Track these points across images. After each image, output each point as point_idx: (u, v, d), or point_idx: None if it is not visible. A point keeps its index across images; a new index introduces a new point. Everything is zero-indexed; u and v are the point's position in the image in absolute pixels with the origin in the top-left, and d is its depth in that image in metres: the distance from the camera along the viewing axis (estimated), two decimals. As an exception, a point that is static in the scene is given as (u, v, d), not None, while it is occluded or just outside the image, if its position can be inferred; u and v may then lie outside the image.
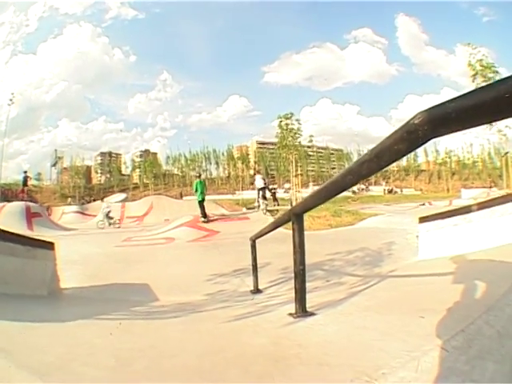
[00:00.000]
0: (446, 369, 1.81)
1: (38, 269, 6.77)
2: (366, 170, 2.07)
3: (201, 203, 20.32)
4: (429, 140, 1.54)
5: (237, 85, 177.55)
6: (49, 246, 7.55)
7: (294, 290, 4.02)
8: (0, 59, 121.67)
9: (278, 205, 33.93)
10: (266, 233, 6.27)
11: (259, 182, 27.33)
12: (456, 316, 2.61)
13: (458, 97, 1.31)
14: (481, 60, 29.77)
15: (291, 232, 4.22)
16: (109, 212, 28.60)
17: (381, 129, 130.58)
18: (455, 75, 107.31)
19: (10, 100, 68.40)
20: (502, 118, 1.23)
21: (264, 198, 26.37)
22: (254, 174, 39.60)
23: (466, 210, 7.42)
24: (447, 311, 2.79)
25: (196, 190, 20.89)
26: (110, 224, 27.99)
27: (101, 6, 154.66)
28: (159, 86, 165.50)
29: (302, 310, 3.85)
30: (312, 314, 3.76)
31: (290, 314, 3.84)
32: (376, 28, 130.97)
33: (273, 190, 42.13)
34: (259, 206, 26.10)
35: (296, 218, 4.19)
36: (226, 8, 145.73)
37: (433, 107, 1.44)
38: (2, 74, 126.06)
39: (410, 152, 1.70)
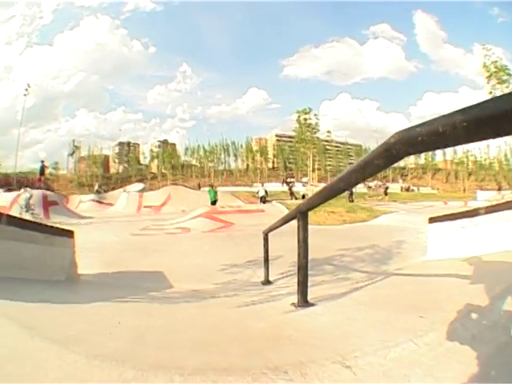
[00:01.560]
0: (411, 360, 2.05)
1: (57, 255, 6.89)
2: (354, 178, 2.40)
3: (212, 203, 26.25)
4: (402, 158, 1.77)
5: (256, 77, 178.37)
6: (68, 233, 7.66)
7: (303, 281, 4.26)
8: (14, 50, 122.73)
9: (296, 199, 34.17)
10: (277, 227, 6.38)
11: (261, 192, 35.30)
12: (440, 315, 2.78)
13: (425, 123, 1.46)
14: (495, 62, 29.60)
15: (312, 227, 4.49)
16: (29, 200, 24.09)
17: (400, 126, 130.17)
18: (473, 74, 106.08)
19: (26, 90, 69.00)
20: (460, 144, 1.43)
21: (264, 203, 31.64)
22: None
23: (473, 213, 7.41)
24: (433, 310, 3.03)
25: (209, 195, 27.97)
26: (30, 213, 24.93)
27: None
28: (179, 78, 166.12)
29: (304, 301, 4.08)
30: (312, 305, 3.98)
31: (293, 304, 4.07)
32: (394, 24, 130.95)
33: (290, 184, 42.40)
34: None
35: (301, 215, 4.41)
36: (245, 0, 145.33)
37: (405, 130, 1.65)
38: (16, 65, 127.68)
39: (388, 167, 1.91)
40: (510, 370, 1.97)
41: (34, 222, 7.04)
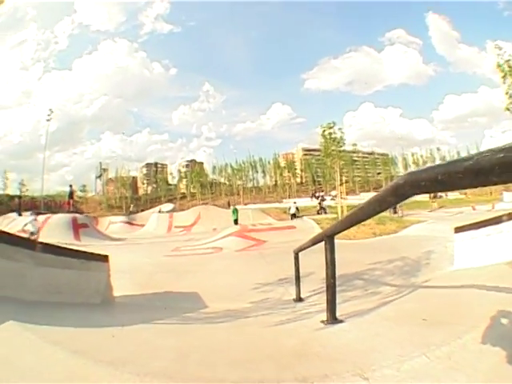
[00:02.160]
0: (421, 372, 2.27)
1: (92, 279, 7.19)
2: (372, 210, 2.72)
3: (235, 222, 28.81)
4: (409, 197, 2.03)
5: (279, 92, 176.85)
6: (103, 258, 7.96)
7: (331, 299, 4.43)
8: (32, 75, 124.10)
9: (326, 213, 34.34)
10: (307, 247, 6.50)
11: (292, 209, 36.69)
12: (455, 329, 3.01)
13: (427, 169, 1.68)
14: (508, 60, 29.43)
15: (338, 241, 4.68)
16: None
17: (424, 131, 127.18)
18: (489, 73, 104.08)
19: (48, 115, 69.37)
20: (454, 190, 1.67)
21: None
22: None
23: (496, 220, 7.42)
24: (450, 324, 3.26)
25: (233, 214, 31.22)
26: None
27: (134, 22, 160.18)
28: (202, 97, 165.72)
29: (333, 318, 4.31)
30: (340, 322, 4.21)
31: (322, 321, 4.30)
32: (408, 28, 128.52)
33: (319, 199, 42.44)
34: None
35: (327, 239, 4.66)
36: (259, 16, 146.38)
37: (411, 173, 1.88)
38: (36, 90, 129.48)
39: (397, 203, 2.21)
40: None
41: (70, 249, 7.11)
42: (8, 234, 6.18)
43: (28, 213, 39.41)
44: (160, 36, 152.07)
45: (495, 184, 1.34)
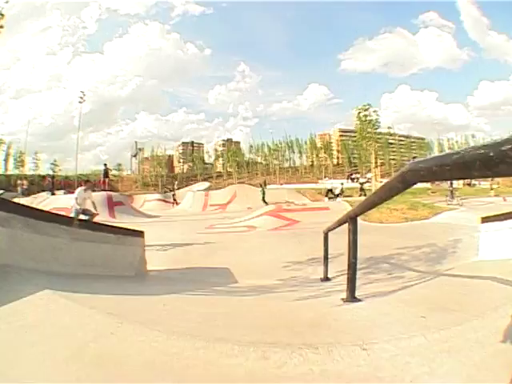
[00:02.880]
0: (416, 350, 2.49)
1: (128, 253, 7.52)
2: (384, 195, 3.07)
3: (263, 200, 30.76)
4: (413, 184, 2.23)
5: (315, 73, 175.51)
6: (138, 233, 8.34)
7: (359, 280, 4.72)
8: (60, 60, 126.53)
9: (365, 195, 34.32)
10: (334, 228, 6.70)
11: (338, 190, 36.13)
12: (459, 316, 3.20)
13: (426, 160, 1.87)
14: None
15: (368, 224, 4.91)
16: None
17: (459, 117, 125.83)
18: None
19: (81, 98, 70.50)
20: (448, 180, 1.89)
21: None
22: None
23: None
24: (456, 311, 3.44)
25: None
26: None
27: (164, 5, 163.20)
28: (238, 77, 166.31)
29: (352, 296, 4.51)
30: (359, 300, 4.42)
31: (342, 299, 4.52)
32: (441, 11, 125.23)
33: (359, 181, 42.40)
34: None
35: (351, 220, 4.86)
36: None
37: (414, 163, 2.06)
38: (66, 74, 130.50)
39: (405, 189, 2.43)
40: (504, 373, 2.22)
41: (106, 225, 7.43)
42: (44, 211, 6.46)
43: (61, 191, 40.23)
44: (192, 18, 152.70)
45: (476, 177, 1.56)
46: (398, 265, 8.66)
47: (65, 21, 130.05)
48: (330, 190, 36.64)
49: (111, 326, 3.12)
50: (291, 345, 2.64)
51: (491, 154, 1.29)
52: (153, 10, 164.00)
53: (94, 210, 14.13)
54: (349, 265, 4.71)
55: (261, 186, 34.37)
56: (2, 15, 15.46)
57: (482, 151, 1.34)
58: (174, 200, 40.75)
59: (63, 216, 6.88)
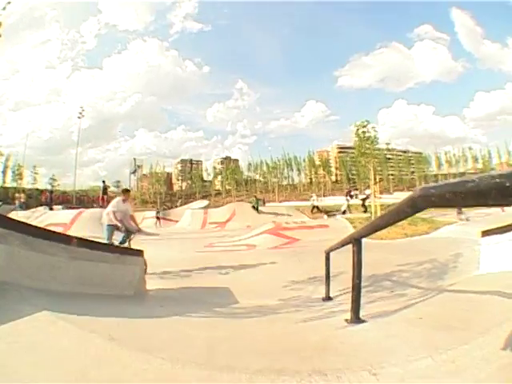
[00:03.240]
0: (424, 372, 2.50)
1: (127, 273, 7.42)
2: (392, 219, 3.04)
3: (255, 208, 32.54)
4: (423, 209, 2.23)
5: (312, 90, 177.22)
6: (137, 252, 8.22)
7: (356, 300, 4.63)
8: (59, 74, 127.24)
9: (366, 211, 34.50)
10: (336, 248, 6.64)
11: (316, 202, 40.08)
12: (464, 335, 3.21)
13: (439, 186, 1.84)
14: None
15: (368, 241, 4.89)
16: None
17: (456, 129, 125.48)
18: None
19: (80, 113, 71.41)
20: (461, 206, 1.84)
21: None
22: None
23: None
24: (460, 329, 3.46)
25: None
26: None
27: (163, 22, 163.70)
28: (236, 95, 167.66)
29: (356, 317, 4.50)
30: (363, 322, 4.41)
31: (346, 320, 4.52)
32: (435, 24, 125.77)
33: (360, 197, 42.70)
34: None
35: (355, 241, 4.85)
36: (288, 14, 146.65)
37: (424, 188, 2.02)
38: (65, 88, 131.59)
39: (414, 214, 2.42)
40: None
41: (105, 244, 7.66)
42: (43, 229, 6.46)
43: (59, 207, 40.26)
44: (190, 35, 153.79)
45: (491, 206, 1.52)
46: (400, 282, 8.62)
47: (64, 34, 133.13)
48: (316, 207, 40.21)
49: (113, 352, 3.09)
50: (300, 372, 2.59)
51: (507, 184, 1.30)
52: (151, 27, 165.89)
53: (135, 226, 12.20)
54: (353, 286, 4.71)
55: (255, 196, 35.59)
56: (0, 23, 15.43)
57: (498, 180, 1.34)
58: (158, 218, 40.76)
59: (62, 234, 6.90)
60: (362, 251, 4.79)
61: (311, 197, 44.33)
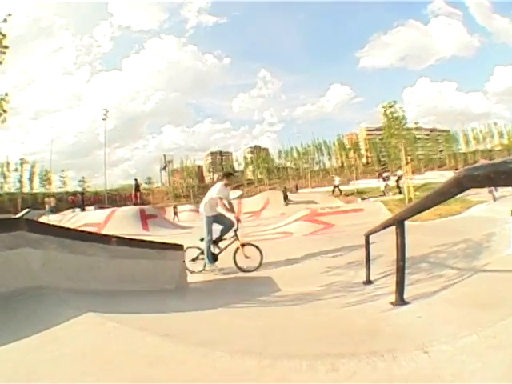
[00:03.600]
0: (470, 348, 2.63)
1: (167, 267, 7.47)
2: (437, 200, 3.23)
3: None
4: (468, 189, 2.38)
5: (335, 73, 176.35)
6: (178, 247, 8.30)
7: (400, 282, 4.74)
8: (78, 79, 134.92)
9: (400, 192, 34.42)
10: (377, 231, 6.71)
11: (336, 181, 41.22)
12: (501, 312, 3.30)
13: (483, 167, 2.01)
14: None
15: (410, 223, 4.97)
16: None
17: (479, 105, 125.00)
18: None
19: (104, 115, 73.62)
20: (505, 186, 1.97)
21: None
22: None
23: None
24: (498, 307, 3.59)
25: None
26: None
27: (177, 18, 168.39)
28: (260, 84, 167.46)
29: (400, 300, 4.62)
30: (406, 303, 4.54)
31: (391, 303, 4.68)
32: None
33: (392, 179, 42.73)
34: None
35: (398, 223, 4.94)
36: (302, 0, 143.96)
37: (470, 168, 2.18)
38: (86, 92, 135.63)
39: (459, 193, 2.58)
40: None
41: (145, 241, 7.37)
42: (80, 231, 6.66)
43: (91, 207, 40.90)
44: (207, 28, 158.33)
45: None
46: (436, 263, 8.61)
47: (77, 40, 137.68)
48: (337, 187, 42.93)
49: (168, 349, 3.02)
50: (357, 354, 2.70)
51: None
52: (166, 25, 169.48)
53: (232, 215, 10.71)
54: (397, 268, 4.80)
55: (284, 187, 35.65)
56: (4, 35, 15.69)
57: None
58: (175, 213, 41.35)
59: (100, 234, 7.11)
60: (404, 233, 4.88)
61: (333, 178, 44.66)
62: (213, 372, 2.64)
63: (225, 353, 2.87)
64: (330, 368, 2.51)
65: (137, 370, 2.71)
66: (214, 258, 10.60)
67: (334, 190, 43.44)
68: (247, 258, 10.37)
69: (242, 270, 10.17)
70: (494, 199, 20.05)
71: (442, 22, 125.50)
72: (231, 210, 10.93)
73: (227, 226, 10.89)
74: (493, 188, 25.86)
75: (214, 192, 10.73)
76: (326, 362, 2.58)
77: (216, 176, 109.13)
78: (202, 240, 10.84)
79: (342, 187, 51.77)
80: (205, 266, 10.54)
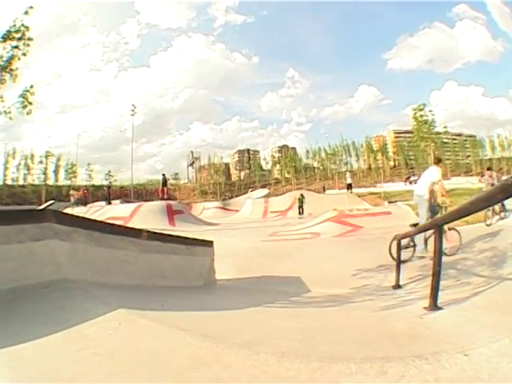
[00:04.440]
0: (504, 351, 2.75)
1: (197, 264, 7.47)
2: (481, 205, 3.40)
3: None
4: None
5: (363, 74, 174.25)
6: (208, 243, 8.26)
7: (428, 287, 4.86)
8: (106, 75, 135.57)
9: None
10: (411, 236, 6.79)
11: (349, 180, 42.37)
12: None
13: None
14: None
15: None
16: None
17: (504, 111, 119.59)
18: None
19: (132, 110, 73.92)
20: None
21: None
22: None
23: None
24: None
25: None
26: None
27: (205, 17, 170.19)
28: (288, 83, 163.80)
29: (434, 305, 4.66)
30: (440, 309, 4.61)
31: (425, 307, 4.73)
32: (469, 3, 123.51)
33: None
34: None
35: (437, 228, 5.02)
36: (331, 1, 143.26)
37: None
38: (113, 88, 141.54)
39: (505, 199, 2.77)
40: None
41: (176, 236, 7.36)
42: (110, 224, 6.59)
43: (118, 201, 41.32)
44: (235, 27, 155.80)
45: None
46: (464, 270, 8.58)
47: (104, 37, 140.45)
48: (349, 185, 43.42)
49: (210, 351, 2.84)
50: (403, 358, 2.72)
51: None
52: (194, 23, 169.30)
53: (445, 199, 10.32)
54: (433, 273, 4.83)
55: (301, 195, 34.99)
56: (27, 27, 16.03)
57: None
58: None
59: (131, 228, 6.91)
60: (443, 238, 4.97)
61: (345, 174, 44.91)
62: (261, 375, 2.51)
63: (270, 355, 2.77)
64: (378, 371, 2.53)
65: (177, 372, 2.57)
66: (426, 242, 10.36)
67: (348, 189, 43.42)
68: (447, 241, 10.00)
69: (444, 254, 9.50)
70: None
71: (466, 25, 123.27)
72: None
73: (437, 209, 10.59)
74: None
75: (435, 175, 10.68)
76: (374, 366, 2.58)
77: (243, 174, 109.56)
78: (414, 225, 10.04)
79: (369, 189, 51.74)
80: (413, 253, 10.41)
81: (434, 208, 10.57)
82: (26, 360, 2.73)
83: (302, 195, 34.61)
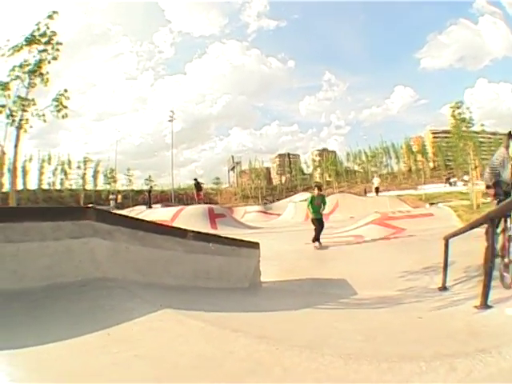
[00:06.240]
0: None
1: (242, 265, 7.44)
2: None
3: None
4: None
5: (398, 75, 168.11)
6: (254, 245, 8.21)
7: (475, 288, 4.99)
8: (142, 83, 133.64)
9: None
10: (462, 232, 6.64)
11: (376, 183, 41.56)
12: None
13: None
14: None
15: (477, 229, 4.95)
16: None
17: None
18: None
19: (171, 117, 75.70)
20: None
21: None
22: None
23: None
24: None
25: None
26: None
27: (237, 23, 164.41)
28: (325, 86, 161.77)
29: (485, 303, 4.57)
30: (490, 307, 4.54)
31: (475, 307, 4.63)
32: None
33: (463, 183, 41.92)
34: None
35: (491, 222, 4.89)
36: (360, 1, 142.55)
37: None
38: (151, 96, 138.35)
39: None
40: None
41: (221, 237, 7.52)
42: (155, 223, 6.73)
43: (158, 205, 41.72)
44: (268, 32, 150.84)
45: None
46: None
47: (137, 47, 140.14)
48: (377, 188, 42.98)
49: (269, 353, 2.70)
50: (468, 353, 2.72)
51: None
52: (227, 30, 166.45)
53: None
54: (485, 270, 4.77)
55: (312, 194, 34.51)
56: (54, 32, 16.29)
57: None
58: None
59: (176, 228, 6.89)
60: (495, 232, 4.86)
61: (373, 177, 44.51)
62: (328, 379, 2.38)
63: (336, 357, 2.63)
64: (448, 368, 2.49)
65: (235, 377, 2.40)
66: None
67: (376, 193, 42.73)
68: None
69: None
70: None
71: (488, 20, 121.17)
72: None
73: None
74: None
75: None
76: (444, 363, 2.54)
77: (284, 178, 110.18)
78: None
79: (409, 191, 51.17)
80: None
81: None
82: (61, 360, 2.56)
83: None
